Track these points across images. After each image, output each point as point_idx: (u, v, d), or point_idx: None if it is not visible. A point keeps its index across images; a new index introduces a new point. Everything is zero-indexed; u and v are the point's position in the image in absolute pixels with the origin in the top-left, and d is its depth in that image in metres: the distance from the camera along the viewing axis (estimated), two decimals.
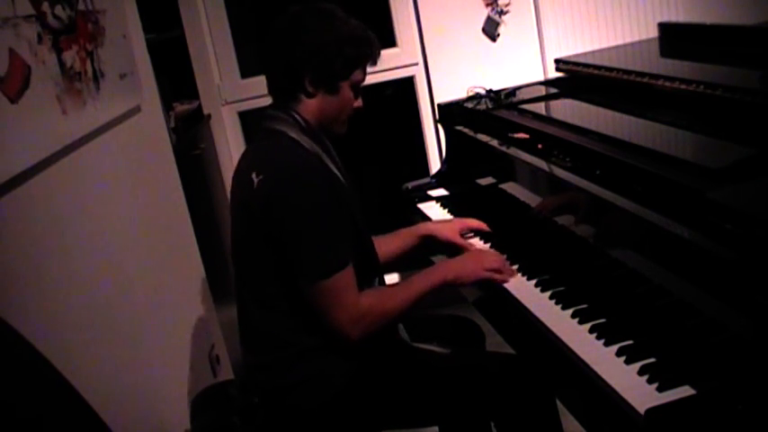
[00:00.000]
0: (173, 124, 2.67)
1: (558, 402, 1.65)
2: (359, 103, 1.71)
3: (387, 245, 1.91)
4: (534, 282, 1.65)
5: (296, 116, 1.64)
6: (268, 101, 3.53)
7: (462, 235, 1.97)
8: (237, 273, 1.69)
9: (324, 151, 1.66)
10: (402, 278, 3.66)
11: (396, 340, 1.75)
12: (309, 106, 1.65)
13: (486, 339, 1.97)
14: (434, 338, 1.81)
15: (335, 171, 1.65)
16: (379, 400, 1.63)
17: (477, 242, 1.94)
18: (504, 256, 1.78)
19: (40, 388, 1.28)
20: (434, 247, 2.01)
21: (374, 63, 1.72)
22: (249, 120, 3.54)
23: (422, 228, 2.01)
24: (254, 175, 1.56)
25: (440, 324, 1.93)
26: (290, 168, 1.56)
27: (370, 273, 1.71)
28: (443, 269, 1.71)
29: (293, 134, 1.61)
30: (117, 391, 1.60)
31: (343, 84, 1.65)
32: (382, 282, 1.80)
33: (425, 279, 1.67)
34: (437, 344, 1.78)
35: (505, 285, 1.69)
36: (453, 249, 1.96)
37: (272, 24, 1.66)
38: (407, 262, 2.03)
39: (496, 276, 1.68)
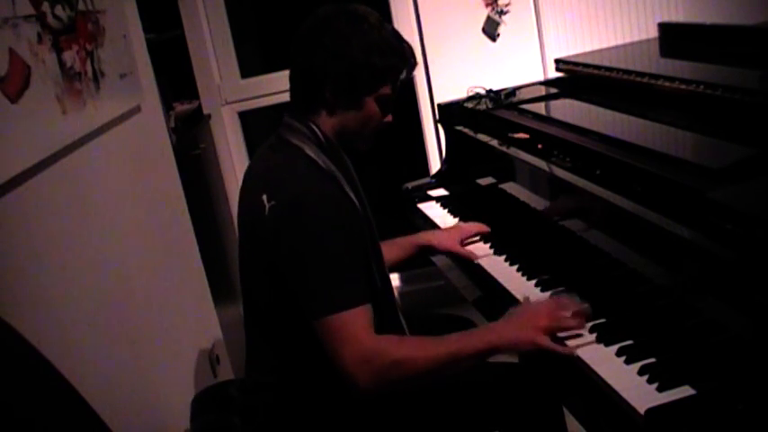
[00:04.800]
0: (173, 124, 2.67)
1: None
2: (389, 118, 1.57)
3: (384, 253, 1.77)
4: (534, 282, 1.65)
5: (314, 129, 1.51)
6: (268, 101, 3.51)
7: (463, 242, 1.94)
8: (244, 292, 1.62)
9: (341, 171, 1.53)
10: (402, 278, 3.66)
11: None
12: (330, 119, 1.52)
13: None
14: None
15: (351, 194, 1.51)
16: (382, 414, 1.58)
17: (479, 246, 1.93)
18: (585, 305, 1.42)
19: (40, 388, 1.28)
20: (433, 253, 1.99)
21: (407, 76, 1.56)
22: (249, 120, 3.54)
23: (421, 238, 1.95)
24: (264, 198, 1.44)
25: (438, 324, 1.92)
26: (303, 199, 1.42)
27: (374, 302, 1.47)
28: (494, 335, 1.41)
29: (309, 151, 1.49)
30: (117, 390, 1.60)
31: (367, 98, 1.50)
32: (391, 312, 1.62)
33: (466, 341, 1.41)
34: None
35: (505, 285, 1.68)
36: (461, 260, 1.93)
37: (302, 24, 1.52)
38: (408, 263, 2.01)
39: (558, 348, 1.37)
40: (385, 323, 1.53)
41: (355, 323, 1.38)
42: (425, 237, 1.97)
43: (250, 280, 1.60)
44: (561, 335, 1.40)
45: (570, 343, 1.38)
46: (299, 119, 1.54)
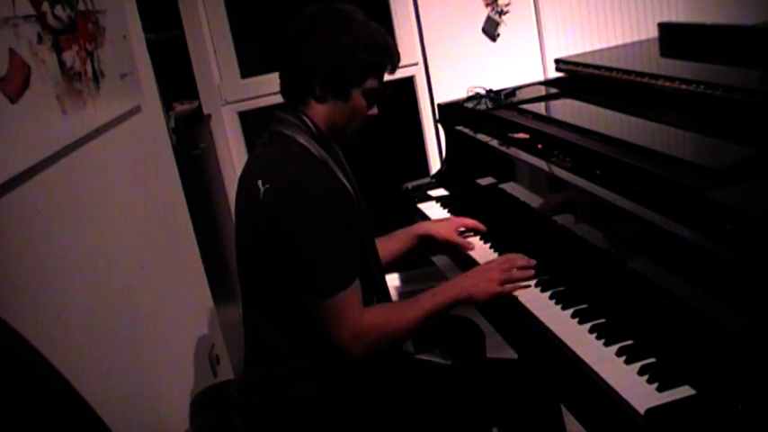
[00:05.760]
0: (173, 124, 2.67)
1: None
2: (374, 111, 1.64)
3: (383, 247, 1.83)
4: (534, 282, 1.65)
5: (306, 120, 1.58)
6: (268, 101, 3.52)
7: (461, 233, 1.96)
8: (242, 281, 1.65)
9: (333, 159, 1.59)
10: (402, 278, 3.66)
11: (398, 351, 1.72)
12: (319, 111, 1.59)
13: (485, 339, 1.97)
14: (434, 340, 1.80)
15: (344, 180, 1.58)
16: (382, 411, 1.60)
17: (475, 241, 1.94)
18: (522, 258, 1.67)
19: (41, 388, 1.28)
20: (433, 246, 2.00)
21: (392, 71, 1.64)
22: (249, 120, 3.54)
23: (418, 228, 1.98)
24: (260, 183, 1.50)
25: (439, 325, 1.92)
26: (297, 180, 1.49)
27: (371, 289, 1.62)
28: (456, 287, 1.61)
29: (302, 140, 1.55)
30: (117, 391, 1.60)
31: (354, 91, 1.58)
32: (384, 299, 1.72)
33: (436, 297, 1.58)
34: (439, 353, 1.77)
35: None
36: (452, 248, 1.96)
37: (290, 22, 1.60)
38: (407, 261, 2.02)
39: (509, 288, 1.60)
40: (369, 298, 1.60)
41: (350, 302, 1.48)
42: (423, 227, 2.00)
43: (248, 269, 1.62)
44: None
45: (514, 287, 1.61)
46: (290, 112, 1.60)
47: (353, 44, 1.54)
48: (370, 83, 1.59)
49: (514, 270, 1.63)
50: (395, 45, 1.64)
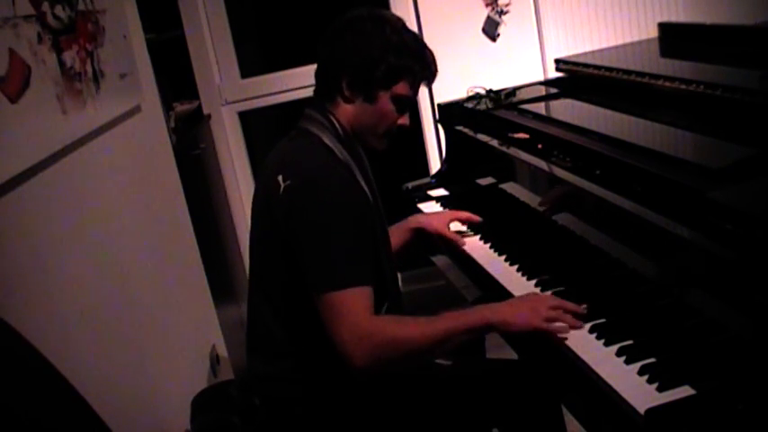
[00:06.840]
0: (173, 124, 2.67)
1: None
2: (404, 120, 1.64)
3: None
4: (534, 282, 1.65)
5: (333, 120, 1.59)
6: (268, 101, 3.51)
7: (460, 232, 1.96)
8: (252, 272, 1.65)
9: (356, 162, 1.59)
10: (402, 278, 3.66)
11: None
12: (346, 111, 1.59)
13: (485, 340, 1.97)
14: None
15: (364, 186, 1.57)
16: (382, 410, 1.59)
17: (475, 240, 1.94)
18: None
19: (40, 388, 1.28)
20: (429, 242, 2.00)
21: (427, 82, 1.65)
22: (249, 120, 3.54)
23: (411, 221, 1.98)
24: (280, 179, 1.50)
25: None
26: (318, 180, 1.49)
27: (382, 297, 1.56)
28: (488, 311, 1.46)
29: (327, 140, 1.55)
30: (117, 390, 1.60)
31: (381, 93, 1.58)
32: (396, 308, 1.65)
33: (460, 317, 1.45)
34: None
35: (505, 285, 1.68)
36: (448, 244, 1.96)
37: (330, 24, 1.63)
38: (407, 262, 2.02)
39: (554, 327, 1.42)
40: (379, 306, 1.55)
41: (355, 302, 1.41)
42: (416, 219, 2.00)
43: (261, 262, 1.62)
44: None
45: (562, 329, 1.42)
46: (319, 110, 1.60)
47: (385, 46, 1.56)
48: (401, 89, 1.59)
49: (563, 313, 1.45)
50: (432, 57, 1.65)
